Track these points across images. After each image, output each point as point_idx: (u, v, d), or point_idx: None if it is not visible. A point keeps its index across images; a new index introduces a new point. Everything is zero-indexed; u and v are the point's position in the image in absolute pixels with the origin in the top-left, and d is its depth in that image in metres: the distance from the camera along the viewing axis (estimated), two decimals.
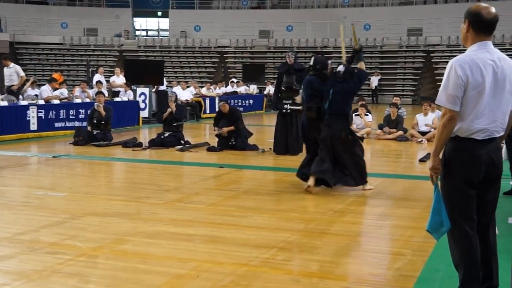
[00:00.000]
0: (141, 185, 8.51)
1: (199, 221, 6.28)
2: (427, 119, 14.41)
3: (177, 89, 20.07)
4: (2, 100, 14.02)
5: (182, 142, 12.55)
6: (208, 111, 20.87)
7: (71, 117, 15.07)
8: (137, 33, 41.82)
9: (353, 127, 14.64)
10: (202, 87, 23.56)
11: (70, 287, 4.35)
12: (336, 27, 34.65)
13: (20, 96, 15.42)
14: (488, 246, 3.89)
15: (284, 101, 11.51)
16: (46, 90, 16.16)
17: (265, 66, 31.10)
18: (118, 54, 37.50)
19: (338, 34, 35.49)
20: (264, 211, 6.80)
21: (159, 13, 40.94)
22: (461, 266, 3.82)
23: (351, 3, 37.63)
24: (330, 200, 7.59)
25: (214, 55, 37.59)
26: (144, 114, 18.15)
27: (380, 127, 14.88)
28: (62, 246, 5.30)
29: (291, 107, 11.35)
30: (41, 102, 14.83)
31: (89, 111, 13.94)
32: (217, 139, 12.48)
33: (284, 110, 11.55)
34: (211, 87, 23.88)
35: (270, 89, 24.87)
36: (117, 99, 17.63)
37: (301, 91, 8.77)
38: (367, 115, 15.06)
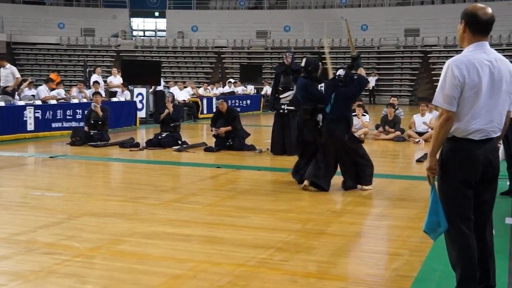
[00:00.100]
0: (138, 185, 8.50)
1: (197, 222, 6.28)
2: (424, 120, 14.42)
3: (174, 90, 20.06)
4: None
5: (180, 142, 12.55)
6: (205, 112, 20.86)
7: (68, 117, 15.06)
8: (134, 33, 41.80)
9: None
10: (200, 87, 23.55)
11: None
12: (334, 27, 34.81)
13: (17, 97, 15.38)
14: (485, 246, 3.89)
15: (281, 102, 11.52)
16: (43, 90, 16.13)
17: (263, 66, 31.14)
18: (115, 54, 37.47)
19: (336, 34, 35.62)
20: (261, 212, 6.80)
21: (156, 13, 40.92)
22: (458, 266, 3.83)
23: (348, 3, 37.68)
24: (327, 201, 7.60)
25: (211, 55, 37.59)
26: (142, 114, 18.13)
27: (377, 127, 14.90)
28: (59, 247, 5.29)
29: (289, 107, 11.36)
30: (38, 102, 14.81)
31: (86, 112, 13.93)
32: (214, 140, 12.48)
33: (281, 111, 11.55)
34: (208, 87, 23.86)
35: (267, 90, 24.87)
36: (114, 99, 17.61)
37: (293, 92, 8.81)
38: (364, 115, 15.08)
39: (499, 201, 6.51)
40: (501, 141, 8.06)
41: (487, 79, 3.71)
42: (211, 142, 12.54)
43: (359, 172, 8.19)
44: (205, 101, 21.31)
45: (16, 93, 15.77)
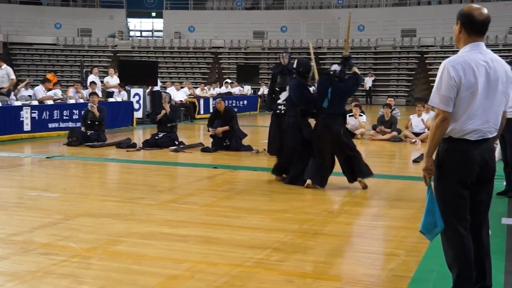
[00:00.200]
0: (135, 185, 8.50)
1: (193, 222, 6.28)
2: (420, 120, 14.44)
3: (171, 90, 20.06)
4: None
5: (176, 142, 12.54)
6: (202, 112, 20.87)
7: (65, 117, 15.04)
8: (131, 33, 41.77)
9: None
10: (196, 87, 23.55)
11: None
12: (331, 28, 34.84)
13: (14, 97, 15.35)
14: (482, 246, 3.90)
15: (278, 102, 11.51)
16: (40, 91, 16.11)
17: (259, 66, 31.13)
18: (112, 54, 37.45)
19: (333, 35, 35.59)
20: (258, 212, 6.81)
21: (153, 14, 40.90)
22: (455, 267, 3.83)
23: (345, 4, 37.71)
24: (324, 201, 7.61)
25: (208, 55, 37.59)
26: (138, 114, 18.13)
27: (374, 128, 14.92)
28: (56, 247, 5.29)
29: (285, 107, 11.35)
30: (35, 102, 14.79)
31: (83, 112, 13.92)
32: (211, 140, 12.48)
33: (278, 111, 11.55)
34: (205, 87, 23.88)
35: (264, 90, 24.88)
36: (111, 99, 17.60)
37: (286, 93, 8.85)
38: (361, 115, 15.10)
39: (496, 201, 6.54)
40: (497, 141, 8.11)
41: (483, 80, 3.72)
42: (208, 143, 12.54)
43: (353, 167, 8.28)
44: (202, 101, 21.31)
45: (13, 93, 15.75)
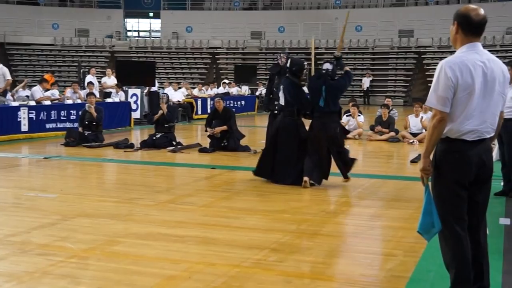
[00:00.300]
0: (132, 186, 8.49)
1: (191, 222, 6.28)
2: (418, 120, 14.46)
3: (169, 90, 20.05)
4: None
5: (174, 143, 12.54)
6: (200, 112, 20.86)
7: (62, 118, 15.02)
8: (129, 34, 41.78)
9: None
10: (194, 88, 23.54)
11: None
12: (328, 28, 34.86)
13: (11, 97, 15.32)
14: (479, 246, 3.90)
15: (276, 103, 11.50)
16: (38, 91, 16.08)
17: (257, 67, 31.15)
18: (109, 55, 37.44)
19: (330, 35, 35.62)
20: (256, 212, 6.81)
21: (151, 14, 40.91)
22: (452, 267, 3.84)
23: (342, 4, 37.75)
24: (322, 201, 7.61)
25: (206, 56, 37.59)
26: (136, 115, 18.12)
27: (372, 128, 14.93)
28: (53, 248, 5.28)
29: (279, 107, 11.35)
30: (32, 103, 14.77)
31: (80, 112, 13.90)
32: (209, 140, 12.48)
33: (276, 112, 11.53)
34: (203, 88, 23.88)
35: (262, 90, 24.88)
36: (108, 100, 17.59)
37: (281, 92, 8.87)
38: (359, 115, 15.12)
39: (493, 201, 6.54)
40: (495, 142, 8.12)
41: (480, 80, 3.72)
42: (206, 143, 12.54)
43: (345, 159, 8.55)
44: (199, 101, 21.30)
45: (10, 93, 15.71)
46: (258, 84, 27.63)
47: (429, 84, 29.73)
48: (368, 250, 5.47)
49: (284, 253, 5.25)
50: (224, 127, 12.26)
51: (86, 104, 13.63)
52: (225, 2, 40.32)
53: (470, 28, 3.77)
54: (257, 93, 26.31)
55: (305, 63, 9.08)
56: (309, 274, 4.75)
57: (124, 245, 5.44)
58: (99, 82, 20.58)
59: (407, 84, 34.29)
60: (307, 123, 8.77)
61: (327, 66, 8.53)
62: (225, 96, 23.44)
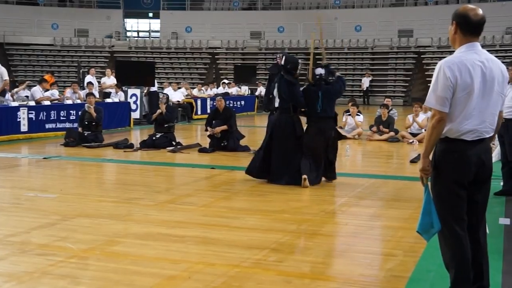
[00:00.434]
0: (132, 186, 8.49)
1: (191, 222, 6.28)
2: (417, 120, 14.44)
3: (169, 90, 20.05)
4: None
5: (174, 143, 12.54)
6: (199, 112, 20.86)
7: (62, 118, 15.02)
8: (128, 34, 41.78)
9: (345, 129, 14.72)
10: (194, 88, 23.54)
11: None
12: (328, 28, 34.81)
13: (10, 97, 15.31)
14: (479, 246, 3.90)
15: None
16: (37, 91, 16.08)
17: (257, 67, 31.14)
18: (109, 55, 37.43)
19: (330, 35, 35.62)
20: (256, 212, 6.81)
21: (150, 14, 40.91)
22: (452, 267, 3.84)
23: (342, 4, 37.76)
24: (322, 201, 7.61)
25: (205, 56, 37.59)
26: (136, 115, 18.12)
27: (371, 128, 14.93)
28: (53, 248, 5.28)
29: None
30: (32, 103, 14.77)
31: (80, 113, 13.90)
32: (209, 140, 12.48)
33: (275, 111, 11.53)
34: (203, 88, 23.88)
35: (261, 90, 24.90)
36: (108, 100, 17.59)
37: (275, 90, 8.89)
38: (358, 115, 15.12)
39: (493, 201, 6.55)
40: (495, 142, 8.13)
41: (479, 80, 3.72)
42: (206, 143, 12.54)
43: (328, 167, 8.66)
44: (199, 102, 21.30)
45: (9, 94, 15.70)
46: (257, 84, 27.63)
47: (428, 84, 29.61)
48: (367, 250, 5.47)
49: (284, 253, 5.26)
50: (225, 127, 12.27)
51: (86, 104, 13.63)
52: (225, 2, 40.32)
53: (469, 28, 3.77)
54: (257, 93, 26.32)
55: (299, 60, 9.16)
56: (309, 274, 4.75)
57: (123, 245, 5.44)
58: (99, 82, 20.58)
59: (407, 84, 34.30)
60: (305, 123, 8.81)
61: (320, 71, 8.62)
62: (225, 96, 23.46)
